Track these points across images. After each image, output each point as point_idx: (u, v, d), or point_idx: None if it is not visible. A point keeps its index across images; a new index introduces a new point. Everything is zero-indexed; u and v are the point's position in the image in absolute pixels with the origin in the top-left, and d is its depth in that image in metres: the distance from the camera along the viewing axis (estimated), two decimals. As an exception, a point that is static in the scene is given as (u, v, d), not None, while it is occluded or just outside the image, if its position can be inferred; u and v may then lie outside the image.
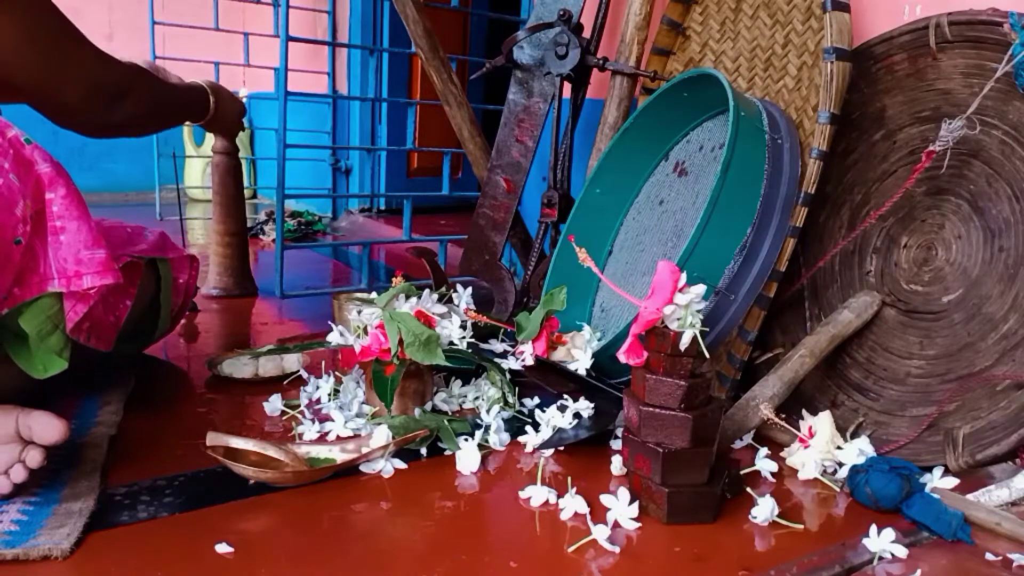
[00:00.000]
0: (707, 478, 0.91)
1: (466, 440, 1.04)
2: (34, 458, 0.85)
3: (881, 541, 0.85)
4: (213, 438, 0.95)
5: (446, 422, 1.09)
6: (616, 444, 1.09)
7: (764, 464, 1.02)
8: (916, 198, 1.16)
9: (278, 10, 3.03)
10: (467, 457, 1.02)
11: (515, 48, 1.54)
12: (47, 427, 0.86)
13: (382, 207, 3.21)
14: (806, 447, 1.05)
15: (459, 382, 1.24)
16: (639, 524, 0.88)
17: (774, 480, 1.02)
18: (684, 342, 0.88)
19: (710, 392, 0.93)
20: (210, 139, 2.26)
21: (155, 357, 1.40)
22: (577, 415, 1.11)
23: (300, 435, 1.08)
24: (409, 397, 1.12)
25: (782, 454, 1.08)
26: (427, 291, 1.16)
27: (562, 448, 1.08)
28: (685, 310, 0.89)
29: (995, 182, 1.08)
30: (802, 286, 1.27)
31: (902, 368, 1.14)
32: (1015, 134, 1.06)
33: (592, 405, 1.11)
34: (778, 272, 1.16)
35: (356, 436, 1.06)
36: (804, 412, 1.12)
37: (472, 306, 1.22)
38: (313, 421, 1.10)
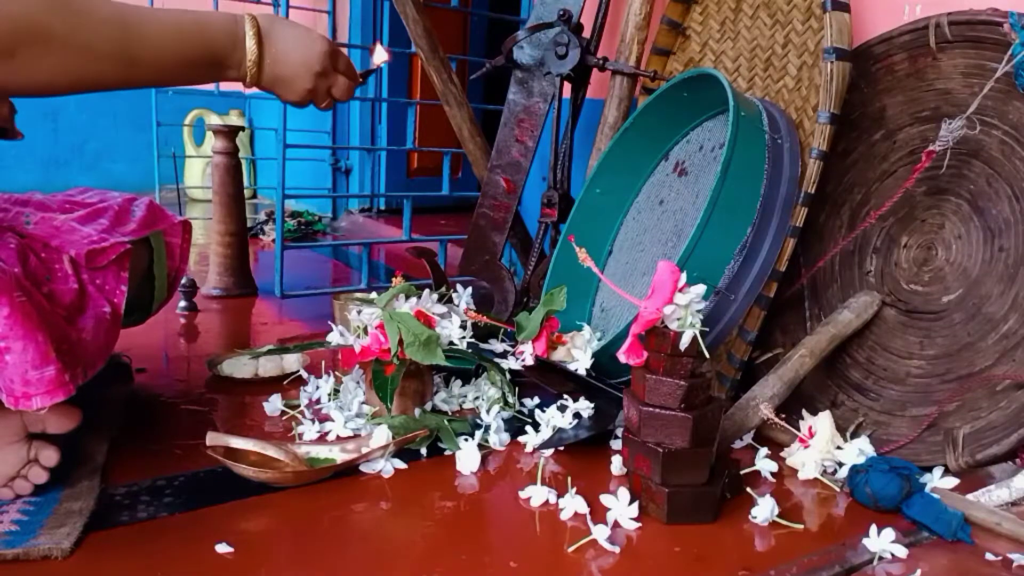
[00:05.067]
0: (707, 478, 0.91)
1: (466, 440, 1.04)
2: (49, 457, 0.85)
3: (881, 541, 0.85)
4: (213, 438, 0.95)
5: (446, 422, 1.09)
6: (616, 444, 1.09)
7: (764, 464, 1.02)
8: (916, 198, 1.16)
9: (278, 10, 3.03)
10: (467, 457, 1.02)
11: (515, 48, 1.54)
12: (61, 416, 0.85)
13: (382, 207, 3.21)
14: (806, 447, 1.05)
15: (459, 382, 1.24)
16: (639, 524, 0.88)
17: (774, 480, 1.02)
18: (684, 342, 0.88)
19: (710, 392, 0.93)
20: (210, 139, 2.26)
21: (155, 357, 1.40)
22: (577, 415, 1.11)
23: (300, 435, 1.08)
24: (409, 397, 1.12)
25: (782, 454, 1.08)
26: (427, 291, 1.16)
27: (562, 448, 1.08)
28: (685, 310, 0.89)
29: (995, 182, 1.08)
30: (802, 286, 1.26)
31: (902, 368, 1.14)
32: (1015, 134, 1.06)
33: (592, 405, 1.11)
34: (778, 272, 1.16)
35: (356, 436, 1.06)
36: (804, 412, 1.12)
37: (472, 306, 1.22)
38: (313, 421, 1.10)
